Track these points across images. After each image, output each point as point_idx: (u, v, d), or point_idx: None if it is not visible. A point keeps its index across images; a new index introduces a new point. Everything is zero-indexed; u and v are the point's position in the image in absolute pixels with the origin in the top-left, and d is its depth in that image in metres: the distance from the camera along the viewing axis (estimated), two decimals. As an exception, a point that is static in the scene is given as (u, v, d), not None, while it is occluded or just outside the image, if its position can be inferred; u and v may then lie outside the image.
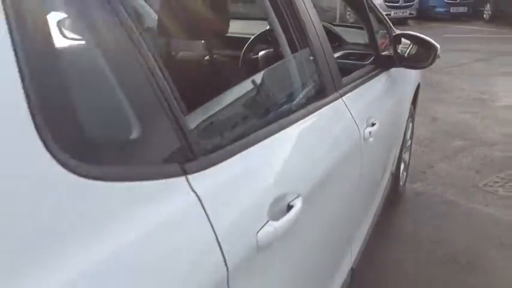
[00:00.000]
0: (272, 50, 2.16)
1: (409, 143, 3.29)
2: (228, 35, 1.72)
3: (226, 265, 0.85)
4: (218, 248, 0.84)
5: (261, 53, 2.23)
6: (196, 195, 0.84)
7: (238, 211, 0.94)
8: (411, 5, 12.99)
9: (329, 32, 2.11)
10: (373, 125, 1.80)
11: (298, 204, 1.10)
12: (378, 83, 2.16)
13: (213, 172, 0.90)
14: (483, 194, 3.38)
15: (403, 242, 2.80)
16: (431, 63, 2.25)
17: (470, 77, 7.00)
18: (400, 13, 12.39)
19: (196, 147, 0.88)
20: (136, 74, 0.79)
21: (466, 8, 13.83)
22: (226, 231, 0.87)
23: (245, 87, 1.25)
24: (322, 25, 1.66)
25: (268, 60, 1.88)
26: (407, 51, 2.42)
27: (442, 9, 13.60)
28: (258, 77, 1.27)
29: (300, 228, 1.13)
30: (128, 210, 0.71)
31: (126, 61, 0.79)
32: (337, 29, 2.78)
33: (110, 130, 0.78)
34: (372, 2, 2.34)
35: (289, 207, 1.08)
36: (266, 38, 2.37)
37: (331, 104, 1.52)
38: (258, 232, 0.96)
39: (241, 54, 2.31)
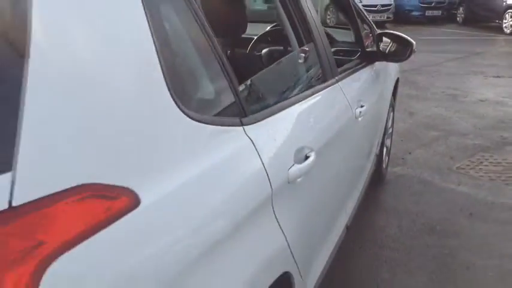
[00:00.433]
0: (284, 44, 2.55)
1: (390, 130, 3.71)
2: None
3: (271, 186, 1.24)
4: (266, 174, 1.23)
5: (273, 48, 2.60)
6: (249, 138, 1.22)
7: (275, 153, 1.32)
8: (388, 9, 13.52)
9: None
10: (362, 106, 2.21)
11: (312, 155, 1.48)
12: (364, 74, 2.57)
13: (257, 125, 1.28)
14: (456, 175, 3.82)
15: (386, 213, 3.22)
16: (408, 57, 2.67)
17: (444, 76, 7.51)
18: (378, 17, 12.90)
19: (247, 109, 1.27)
20: (216, 62, 1.18)
21: (440, 11, 14.44)
22: (269, 163, 1.25)
23: (273, 70, 1.65)
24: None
25: (283, 51, 2.27)
26: (388, 48, 2.83)
27: (417, 13, 14.18)
28: (280, 63, 1.67)
29: (313, 174, 1.51)
30: (211, 141, 1.09)
31: (210, 54, 1.17)
32: (328, 30, 3.18)
33: (204, 94, 1.18)
34: (357, 6, 2.75)
35: (306, 157, 1.47)
36: (278, 34, 2.76)
37: (331, 86, 1.92)
38: (288, 169, 1.35)
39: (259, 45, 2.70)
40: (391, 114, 3.62)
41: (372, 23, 3.00)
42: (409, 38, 2.68)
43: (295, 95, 1.61)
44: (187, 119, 1.01)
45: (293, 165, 1.38)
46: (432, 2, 14.34)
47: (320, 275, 1.81)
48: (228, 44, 2.30)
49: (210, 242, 1.00)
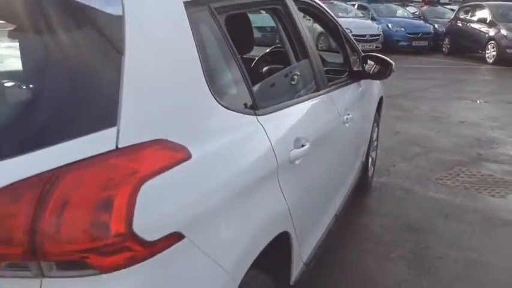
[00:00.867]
0: (283, 61, 2.99)
1: (375, 143, 4.14)
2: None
3: (277, 162, 1.65)
4: (273, 152, 1.64)
5: (273, 66, 3.04)
6: (262, 125, 1.64)
7: (280, 138, 1.73)
8: (377, 39, 14.16)
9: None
10: (348, 114, 2.64)
11: (307, 145, 1.90)
12: (351, 89, 3.01)
13: (266, 117, 1.70)
14: (434, 184, 4.25)
15: (371, 214, 3.63)
16: (388, 75, 3.12)
17: (429, 100, 8.01)
18: (367, 46, 13.48)
19: (259, 104, 1.69)
20: (238, 70, 1.61)
21: (426, 42, 15.10)
22: (275, 145, 1.66)
23: (276, 78, 2.08)
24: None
25: (281, 69, 2.71)
26: (372, 68, 3.28)
27: (405, 43, 14.82)
28: (282, 74, 2.11)
29: (308, 159, 1.93)
30: (236, 122, 1.51)
31: (235, 65, 1.61)
32: (320, 53, 3.64)
33: (231, 92, 1.60)
34: (346, 34, 3.20)
35: (303, 146, 1.88)
36: (277, 55, 3.21)
37: (323, 95, 2.35)
38: (289, 152, 1.76)
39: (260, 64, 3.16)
40: (376, 129, 4.05)
41: (359, 47, 3.45)
42: (389, 60, 3.13)
43: (294, 98, 2.04)
44: (220, 106, 1.44)
45: (293, 149, 1.79)
46: (419, 33, 15.02)
47: (313, 249, 2.20)
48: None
49: (235, 191, 1.40)
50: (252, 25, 2.29)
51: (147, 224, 1.08)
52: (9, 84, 1.21)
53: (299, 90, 2.18)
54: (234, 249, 1.37)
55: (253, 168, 1.53)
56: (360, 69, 3.18)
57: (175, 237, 1.15)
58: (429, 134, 5.90)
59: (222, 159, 1.39)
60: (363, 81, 3.23)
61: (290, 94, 2.07)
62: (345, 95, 2.79)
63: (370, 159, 3.92)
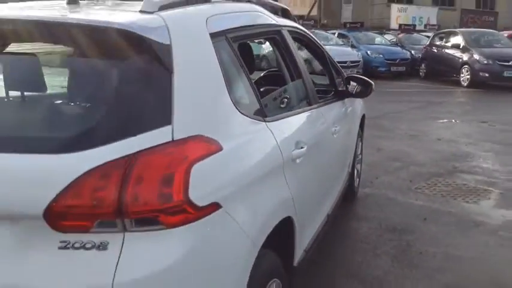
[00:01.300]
0: (277, 82, 3.42)
1: (360, 157, 4.58)
2: None
3: (283, 158, 2.06)
4: (280, 151, 2.05)
5: (269, 87, 3.47)
6: (270, 129, 2.05)
7: (284, 140, 2.14)
8: (357, 65, 14.76)
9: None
10: (336, 127, 3.07)
11: (305, 147, 2.31)
12: (337, 106, 3.44)
13: (273, 123, 2.11)
14: (414, 193, 4.69)
15: (358, 219, 4.04)
16: (369, 94, 3.58)
17: (408, 121, 8.53)
18: (349, 72, 14.01)
19: (267, 114, 2.11)
20: (250, 86, 2.04)
21: (404, 67, 15.81)
22: (281, 145, 2.07)
23: (277, 94, 2.51)
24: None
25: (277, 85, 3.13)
26: (355, 89, 3.73)
27: (383, 69, 15.49)
28: (284, 88, 2.56)
29: (306, 160, 2.33)
30: (251, 126, 1.92)
31: (247, 83, 2.03)
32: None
33: (245, 102, 2.02)
34: (331, 58, 3.66)
35: (302, 147, 2.29)
36: (271, 77, 3.65)
37: (315, 110, 2.78)
38: (292, 152, 2.17)
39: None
40: (360, 144, 4.49)
41: (342, 71, 3.91)
42: (369, 80, 3.59)
43: (293, 110, 2.47)
44: (239, 113, 1.85)
45: (294, 150, 2.20)
46: (397, 59, 15.74)
47: (311, 239, 2.59)
48: None
49: (254, 178, 1.81)
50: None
51: (197, 194, 1.47)
52: (98, 96, 1.63)
53: (296, 104, 2.60)
54: (254, 221, 1.76)
55: (266, 161, 1.94)
56: (344, 89, 3.63)
57: (215, 206, 1.55)
58: (409, 150, 6.37)
59: (243, 152, 1.80)
60: (347, 100, 3.68)
61: (289, 107, 2.50)
62: (332, 111, 3.22)
63: (355, 171, 4.35)
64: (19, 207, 1.39)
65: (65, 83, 1.71)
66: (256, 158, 1.88)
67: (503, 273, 3.20)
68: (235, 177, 1.70)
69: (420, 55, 16.03)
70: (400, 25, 24.16)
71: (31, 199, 1.38)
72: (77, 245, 1.38)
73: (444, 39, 15.30)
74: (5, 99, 1.91)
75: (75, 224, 1.39)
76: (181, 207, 1.43)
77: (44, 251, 1.40)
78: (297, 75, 2.73)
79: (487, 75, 13.13)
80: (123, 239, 1.39)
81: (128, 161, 1.41)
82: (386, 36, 19.18)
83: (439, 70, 14.87)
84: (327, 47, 3.95)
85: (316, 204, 2.72)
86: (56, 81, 1.71)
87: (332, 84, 3.61)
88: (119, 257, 1.38)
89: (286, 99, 2.49)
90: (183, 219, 1.44)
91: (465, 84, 13.48)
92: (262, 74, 3.99)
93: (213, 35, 1.87)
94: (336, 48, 14.51)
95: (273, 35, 2.59)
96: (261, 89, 3.46)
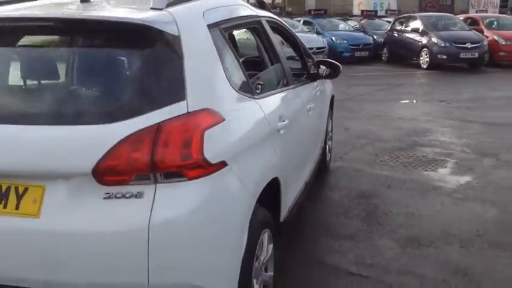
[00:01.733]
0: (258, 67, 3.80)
1: (330, 134, 5.04)
2: None
3: (270, 128, 2.48)
4: (267, 122, 2.46)
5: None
6: (258, 104, 2.46)
7: (270, 113, 2.55)
8: (323, 51, 15.22)
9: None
10: (310, 105, 3.51)
11: (286, 121, 2.73)
12: (310, 87, 3.87)
13: (260, 100, 2.52)
14: (379, 165, 5.19)
15: (331, 188, 4.52)
16: (337, 76, 4.02)
17: (372, 102, 9.08)
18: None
19: (254, 92, 2.51)
20: (241, 70, 2.44)
21: (367, 52, 16.38)
22: (268, 118, 2.49)
23: (263, 74, 2.92)
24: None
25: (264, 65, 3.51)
26: (324, 71, 4.16)
27: (348, 54, 16.01)
28: (266, 71, 2.97)
29: (288, 131, 2.76)
30: (243, 101, 2.33)
31: (239, 67, 2.44)
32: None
33: (239, 82, 2.41)
34: (303, 44, 4.07)
35: (284, 121, 2.71)
36: (250, 63, 4.03)
37: (292, 89, 3.20)
38: (277, 123, 2.59)
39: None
40: (330, 122, 4.95)
41: (313, 56, 4.34)
42: (337, 63, 4.03)
43: (274, 89, 2.89)
44: (234, 90, 2.25)
45: (278, 122, 2.62)
46: (360, 44, 16.30)
47: (293, 201, 3.03)
48: None
49: (250, 143, 2.22)
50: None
51: (209, 154, 1.87)
52: (129, 79, 2.01)
53: (276, 84, 3.02)
54: (252, 177, 2.18)
55: (257, 130, 2.36)
56: (316, 71, 4.06)
57: (223, 164, 1.95)
58: (373, 129, 6.89)
59: (239, 123, 2.21)
60: (318, 82, 4.11)
61: (271, 86, 2.91)
62: (306, 91, 3.65)
63: (327, 147, 4.81)
64: (73, 167, 1.77)
65: (104, 72, 2.07)
66: (249, 127, 2.29)
67: (453, 226, 3.72)
68: (236, 142, 2.10)
69: (382, 40, 16.62)
70: (362, 11, 24.82)
71: (83, 160, 1.75)
72: (119, 195, 1.77)
73: (404, 24, 15.94)
74: (57, 85, 2.24)
75: (117, 179, 1.78)
76: (199, 163, 1.83)
77: (92, 201, 1.78)
78: (276, 60, 3.14)
79: (444, 57, 13.88)
80: (155, 189, 1.79)
81: (156, 129, 1.79)
82: (349, 22, 19.71)
83: (400, 54, 15.53)
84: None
85: (297, 170, 3.15)
86: (98, 71, 2.08)
87: (304, 68, 4.03)
88: (153, 203, 1.77)
89: (269, 80, 2.90)
90: (200, 173, 1.84)
91: (425, 66, 14.17)
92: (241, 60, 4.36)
93: (209, 26, 2.26)
94: (302, 35, 14.68)
95: (254, 25, 2.99)
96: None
